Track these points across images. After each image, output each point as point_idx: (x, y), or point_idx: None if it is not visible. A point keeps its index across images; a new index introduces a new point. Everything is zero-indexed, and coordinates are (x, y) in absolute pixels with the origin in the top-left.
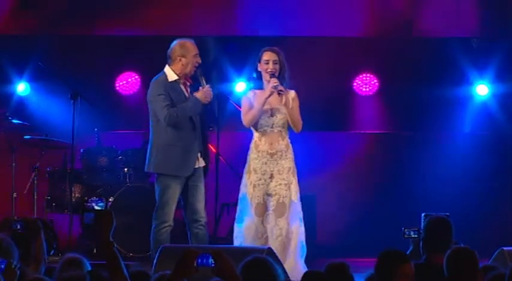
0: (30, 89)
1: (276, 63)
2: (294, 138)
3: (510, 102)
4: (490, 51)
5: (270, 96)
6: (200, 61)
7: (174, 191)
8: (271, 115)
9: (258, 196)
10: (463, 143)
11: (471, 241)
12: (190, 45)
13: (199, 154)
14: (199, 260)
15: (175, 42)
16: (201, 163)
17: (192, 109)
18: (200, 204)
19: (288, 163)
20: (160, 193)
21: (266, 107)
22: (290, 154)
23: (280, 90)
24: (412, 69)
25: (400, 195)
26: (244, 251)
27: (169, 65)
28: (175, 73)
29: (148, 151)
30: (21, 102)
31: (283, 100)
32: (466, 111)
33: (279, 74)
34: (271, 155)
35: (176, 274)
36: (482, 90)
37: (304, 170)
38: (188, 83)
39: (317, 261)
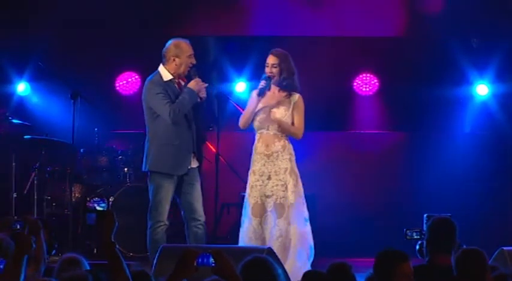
0: (30, 89)
1: (275, 67)
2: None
3: (510, 102)
4: (490, 51)
5: (259, 100)
6: (194, 62)
7: (167, 191)
8: (266, 118)
9: (254, 196)
10: (463, 143)
11: (471, 241)
12: (185, 45)
13: (192, 154)
14: (200, 260)
15: (170, 42)
16: (194, 164)
17: (189, 101)
18: (198, 203)
19: (284, 163)
20: (153, 193)
21: (264, 109)
22: (287, 155)
23: (259, 94)
24: (412, 69)
25: (400, 195)
26: (244, 251)
27: (163, 64)
28: (170, 73)
29: (145, 150)
30: (21, 102)
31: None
32: (466, 111)
33: (280, 77)
34: (268, 156)
35: (176, 274)
36: (482, 90)
37: (304, 170)
38: (183, 83)
39: (317, 261)
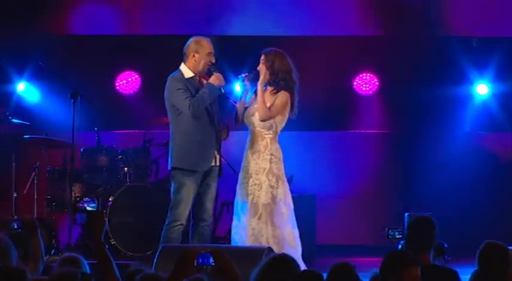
0: (30, 89)
1: (263, 63)
2: (294, 137)
3: (510, 102)
4: (490, 51)
5: (246, 93)
6: (214, 61)
7: (189, 190)
8: (252, 115)
9: (241, 194)
10: (463, 143)
11: (471, 241)
12: (205, 42)
13: (215, 152)
14: (200, 260)
15: (191, 39)
16: (217, 161)
17: (209, 95)
18: (210, 204)
19: (264, 163)
20: (175, 191)
21: (253, 106)
22: (267, 155)
23: (242, 84)
24: (412, 69)
25: (400, 194)
26: (244, 251)
27: (184, 62)
28: (190, 70)
29: (170, 148)
30: (21, 101)
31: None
32: (466, 111)
33: (269, 73)
34: (252, 154)
35: (176, 274)
36: (482, 89)
37: (304, 170)
38: (205, 82)
39: (317, 261)
